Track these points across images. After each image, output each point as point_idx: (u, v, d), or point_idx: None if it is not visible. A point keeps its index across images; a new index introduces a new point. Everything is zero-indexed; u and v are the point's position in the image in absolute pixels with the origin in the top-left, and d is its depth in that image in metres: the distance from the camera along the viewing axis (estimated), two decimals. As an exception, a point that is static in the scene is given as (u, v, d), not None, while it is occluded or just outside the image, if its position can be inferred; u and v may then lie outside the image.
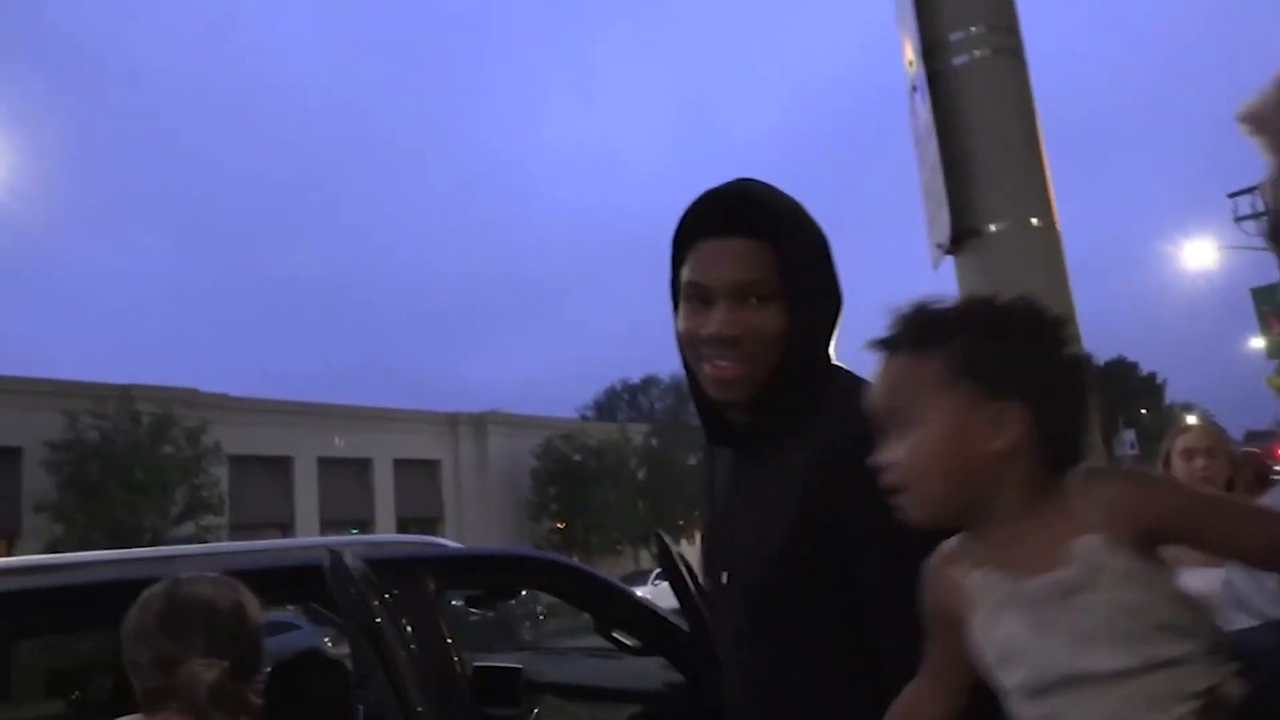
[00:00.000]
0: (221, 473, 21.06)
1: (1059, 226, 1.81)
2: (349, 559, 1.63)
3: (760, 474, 1.12)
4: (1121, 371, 56.28)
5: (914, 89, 1.99)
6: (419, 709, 1.46)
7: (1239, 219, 21.04)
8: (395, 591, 1.90)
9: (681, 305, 1.14)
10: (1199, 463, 2.44)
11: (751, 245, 1.09)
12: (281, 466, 25.66)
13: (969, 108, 1.82)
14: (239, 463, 23.34)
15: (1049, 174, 1.83)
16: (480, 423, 32.07)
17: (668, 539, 2.45)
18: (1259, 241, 20.93)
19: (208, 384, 24.28)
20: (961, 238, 1.80)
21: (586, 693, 2.86)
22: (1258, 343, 24.66)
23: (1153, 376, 58.11)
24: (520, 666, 3.00)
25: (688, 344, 1.13)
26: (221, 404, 23.61)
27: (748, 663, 1.13)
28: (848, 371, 1.14)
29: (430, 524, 28.95)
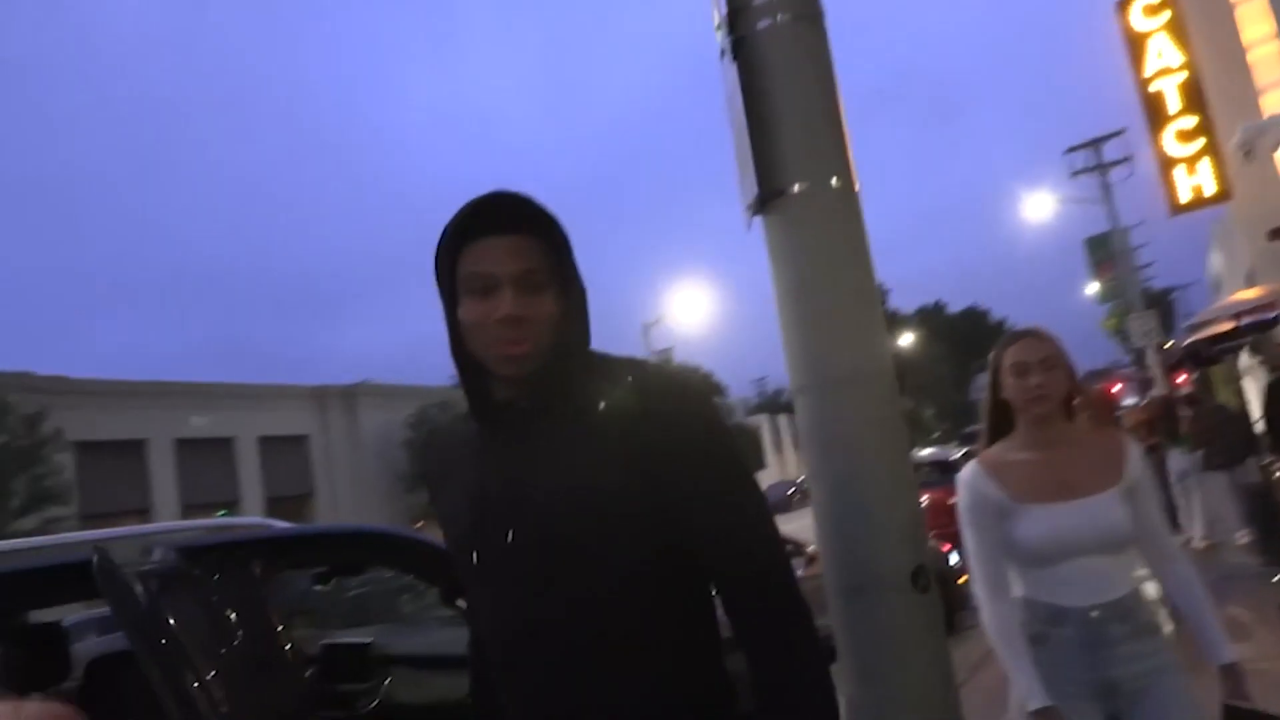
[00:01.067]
0: (66, 460, 19.77)
1: (858, 187, 1.89)
2: (119, 556, 1.57)
3: (537, 444, 1.28)
4: (973, 319, 59.56)
5: (723, 54, 2.03)
6: (192, 697, 1.43)
7: (1074, 174, 22.41)
8: (217, 576, 1.84)
9: (463, 299, 1.27)
10: (1034, 379, 2.09)
11: (527, 240, 1.27)
12: (135, 450, 24.29)
13: (771, 72, 1.86)
14: (87, 449, 21.97)
15: (848, 136, 1.90)
16: (350, 395, 31.18)
17: None
18: (1094, 194, 22.42)
19: (45, 366, 22.62)
20: (767, 199, 1.86)
21: (438, 662, 2.87)
22: (1092, 289, 26.50)
23: (1001, 323, 61.75)
24: (369, 641, 2.97)
25: (478, 330, 1.26)
26: (61, 387, 22.08)
27: (553, 615, 1.24)
28: (600, 353, 1.34)
29: (301, 501, 28.07)
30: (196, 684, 1.45)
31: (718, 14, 2.00)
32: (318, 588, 2.79)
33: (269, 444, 28.10)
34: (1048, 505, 2.06)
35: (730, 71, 1.96)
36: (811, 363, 1.83)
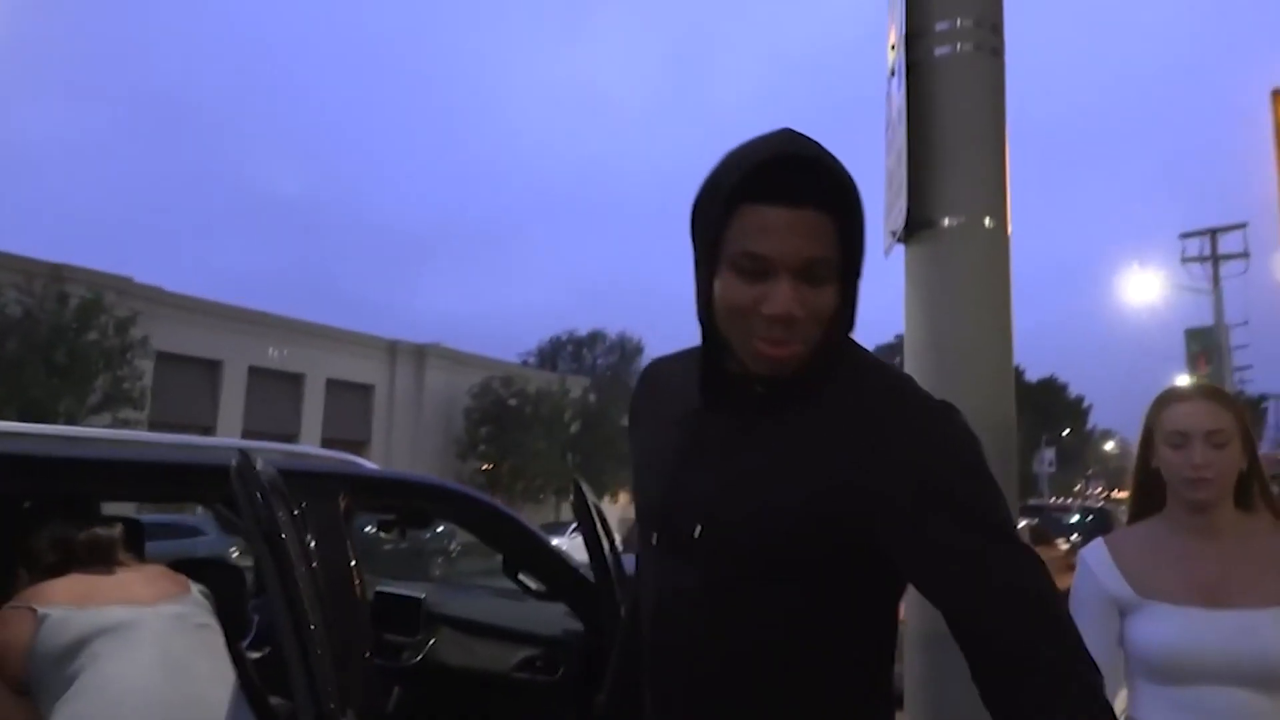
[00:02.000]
0: (147, 367, 20.54)
1: (1010, 231, 1.83)
2: (259, 464, 1.60)
3: (760, 441, 1.09)
4: (1051, 391, 57.89)
5: (892, 74, 1.98)
6: (312, 625, 1.44)
7: (1186, 260, 21.67)
8: (304, 504, 1.87)
9: (725, 272, 1.04)
10: (1198, 456, 1.63)
11: (820, 219, 1.01)
12: (211, 370, 25.12)
13: (942, 100, 1.82)
14: (167, 360, 22.79)
15: (1009, 178, 1.84)
16: (420, 354, 31.75)
17: (586, 488, 2.45)
18: (1202, 284, 21.63)
19: (144, 275, 23.55)
20: (915, 228, 1.81)
21: (486, 630, 2.88)
22: (1184, 380, 25.56)
23: (1080, 400, 59.90)
24: (422, 596, 3.00)
25: (737, 316, 1.04)
26: (156, 297, 22.96)
27: (710, 622, 1.09)
28: (858, 345, 1.13)
29: (357, 448, 28.67)
30: (314, 609, 1.48)
31: (895, 33, 1.96)
32: (381, 534, 2.82)
33: (336, 387, 28.79)
34: (1184, 608, 1.61)
35: (897, 94, 1.92)
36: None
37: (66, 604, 1.73)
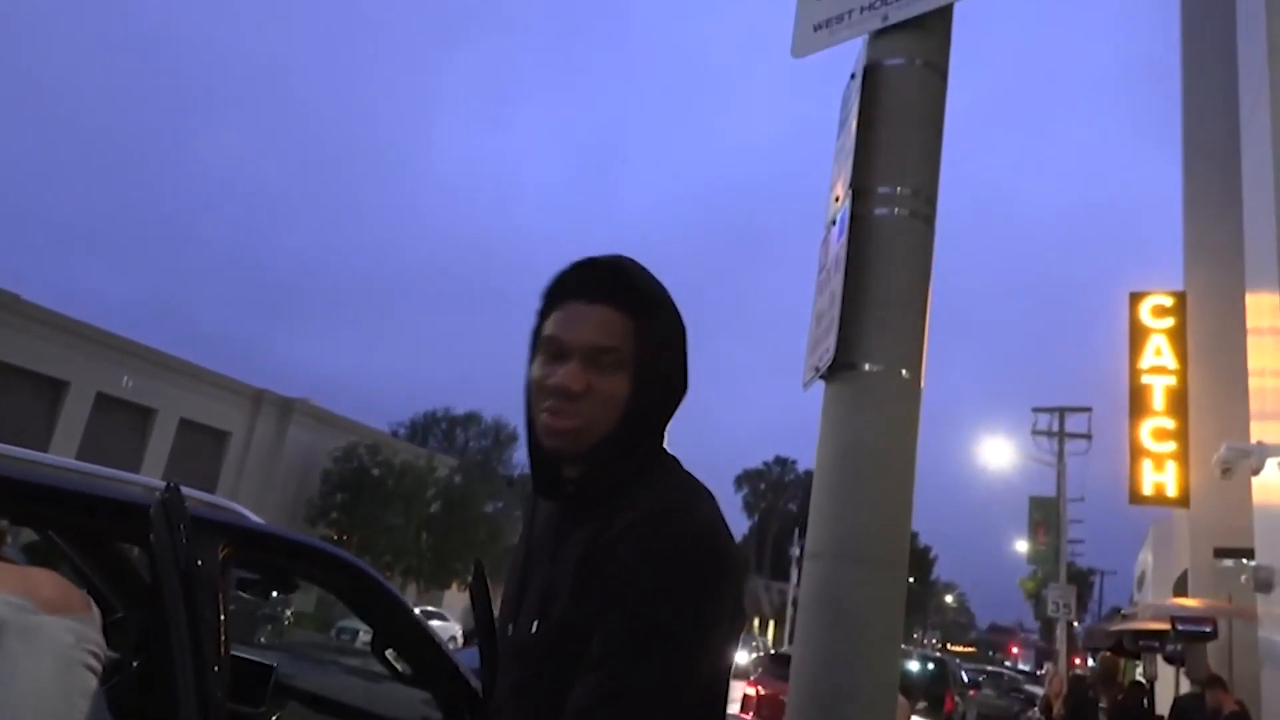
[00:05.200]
0: (-18, 377, 18.98)
1: (923, 385, 1.96)
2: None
3: (572, 535, 1.17)
4: (903, 538, 59.64)
5: (833, 222, 2.13)
6: (213, 682, 1.36)
7: (1035, 432, 23.14)
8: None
9: (537, 357, 1.21)
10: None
11: (615, 315, 1.17)
12: (54, 389, 23.39)
13: (878, 256, 1.96)
14: (7, 372, 21.14)
15: (928, 336, 1.98)
16: (287, 407, 30.47)
17: (484, 570, 2.40)
18: (1048, 456, 23.11)
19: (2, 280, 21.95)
20: (838, 368, 1.92)
21: (338, 709, 2.73)
22: (1022, 546, 26.94)
23: (927, 550, 62.21)
24: (274, 665, 2.83)
25: (535, 390, 1.20)
26: (8, 303, 21.42)
27: (515, 714, 1.17)
28: (675, 461, 1.24)
29: (198, 496, 26.89)
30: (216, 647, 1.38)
31: (841, 186, 2.11)
32: (243, 594, 2.67)
33: (189, 428, 27.22)
34: None
35: (836, 243, 2.06)
36: (834, 533, 1.85)
37: None
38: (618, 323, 1.17)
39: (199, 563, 1.42)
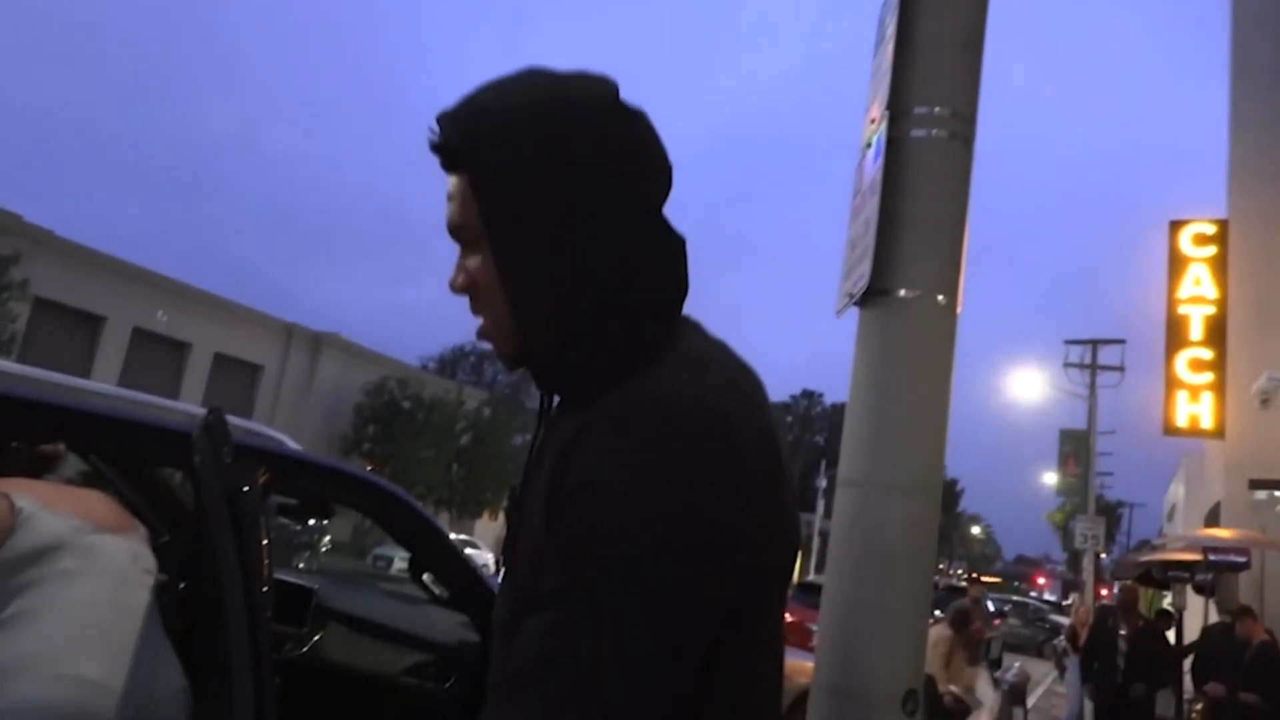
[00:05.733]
0: (23, 310, 19.33)
1: (959, 311, 1.93)
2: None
3: (550, 446, 0.91)
4: (930, 470, 59.87)
5: (868, 145, 2.08)
6: (260, 602, 1.39)
7: (1067, 364, 22.91)
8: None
9: None
10: None
11: (458, 182, 0.89)
12: (92, 324, 23.80)
13: (915, 179, 1.91)
14: (46, 307, 21.51)
15: (965, 262, 1.94)
16: (317, 341, 30.84)
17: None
18: (1080, 389, 22.91)
19: (33, 213, 22.21)
20: (873, 295, 1.89)
21: (378, 630, 2.81)
22: (1051, 478, 26.91)
23: (954, 482, 62.35)
24: (315, 588, 2.91)
25: None
26: (43, 240, 21.67)
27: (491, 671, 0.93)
28: (691, 329, 0.94)
29: (234, 428, 27.47)
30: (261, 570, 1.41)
31: (877, 109, 2.05)
32: (283, 520, 2.73)
33: (223, 362, 27.66)
34: None
35: (872, 166, 2.01)
36: (868, 461, 1.84)
37: (34, 500, 1.46)
38: (460, 190, 0.88)
39: (242, 487, 1.44)
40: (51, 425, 1.58)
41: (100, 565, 1.43)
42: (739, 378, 0.88)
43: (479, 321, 0.92)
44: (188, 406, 1.83)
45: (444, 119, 0.89)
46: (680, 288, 0.95)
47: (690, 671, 0.79)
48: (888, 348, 1.88)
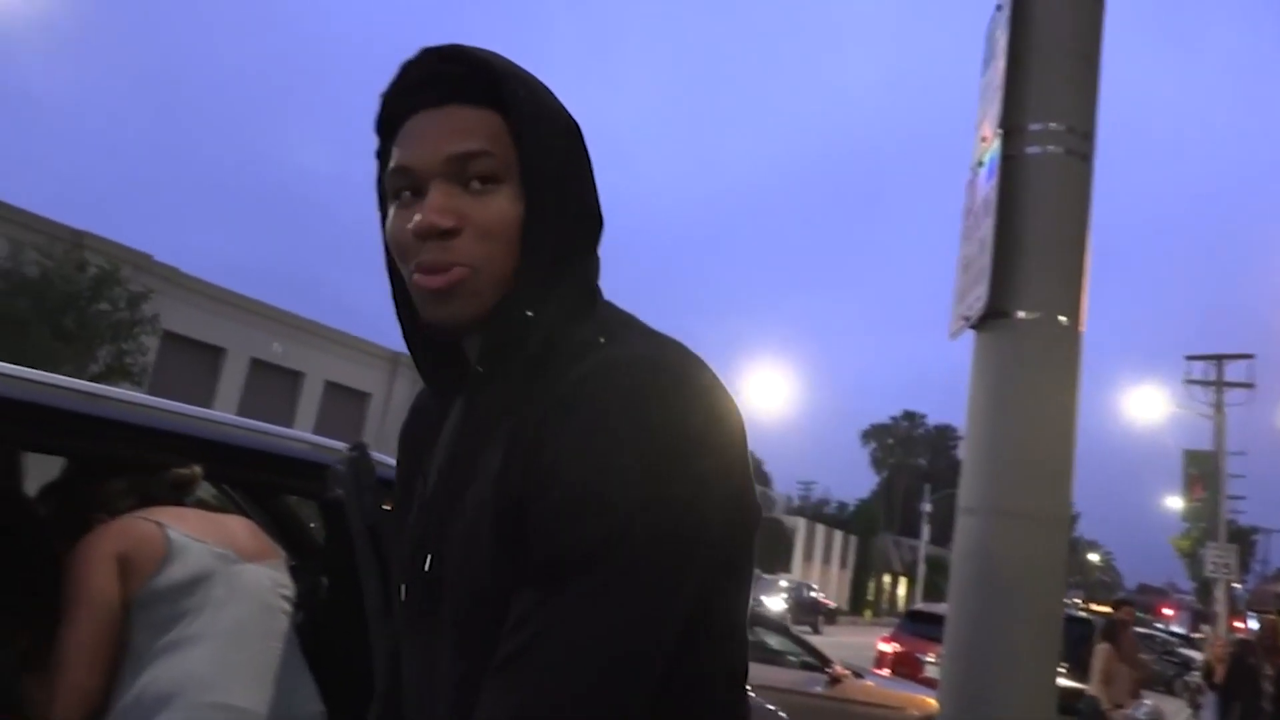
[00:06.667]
0: (152, 344, 20.54)
1: (1083, 332, 1.86)
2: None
3: (488, 431, 0.81)
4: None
5: (980, 164, 2.03)
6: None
7: (1189, 381, 21.73)
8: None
9: (390, 207, 0.85)
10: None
11: (473, 113, 0.81)
12: (213, 356, 25.11)
13: (1032, 197, 1.86)
14: (172, 340, 22.80)
15: (1087, 281, 1.88)
16: (421, 369, 31.74)
17: None
18: (1205, 407, 21.70)
19: (157, 248, 23.60)
20: (990, 317, 1.84)
21: None
22: (1175, 502, 25.46)
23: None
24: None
25: (396, 252, 0.84)
26: (171, 277, 23.04)
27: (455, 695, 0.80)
28: (629, 315, 0.87)
29: (344, 454, 28.45)
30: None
31: (988, 126, 2.01)
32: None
33: (334, 390, 28.75)
34: None
35: (985, 185, 1.97)
36: (989, 488, 1.79)
37: (185, 530, 1.53)
38: (481, 121, 0.81)
39: (381, 516, 1.50)
40: (197, 455, 1.68)
41: (246, 593, 1.51)
42: (684, 345, 0.83)
43: (440, 274, 0.80)
44: (310, 437, 1.89)
45: (459, 51, 0.84)
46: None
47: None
48: (1007, 371, 1.83)
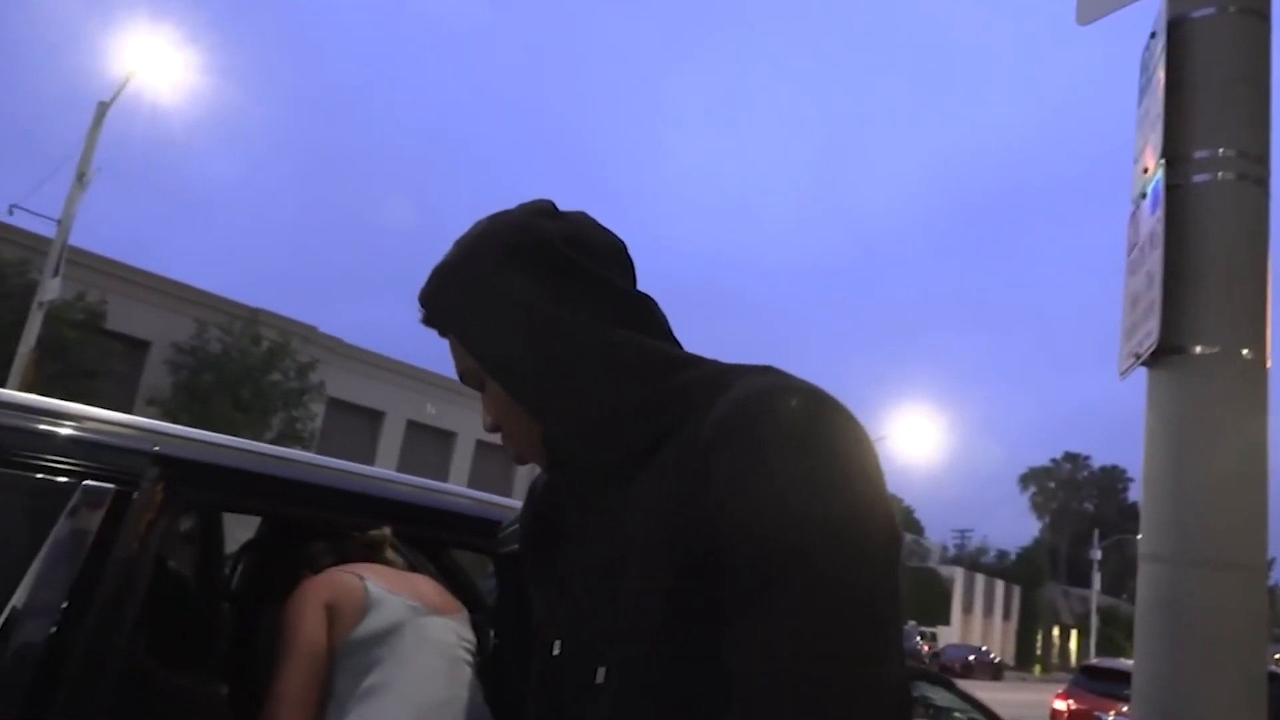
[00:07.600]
0: (319, 410, 21.90)
1: (1269, 364, 1.75)
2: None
3: (625, 490, 0.89)
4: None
5: (1143, 196, 1.96)
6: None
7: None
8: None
9: None
10: None
11: (454, 339, 1.00)
12: (373, 419, 26.51)
13: (1202, 226, 1.78)
14: (336, 406, 24.24)
15: (1270, 310, 1.77)
16: (566, 425, 32.41)
17: None
18: None
19: (322, 319, 25.23)
20: (1164, 353, 1.76)
21: None
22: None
23: None
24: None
25: None
26: (334, 347, 24.60)
27: None
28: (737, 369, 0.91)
29: (495, 510, 29.24)
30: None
31: (1150, 156, 1.94)
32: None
33: (484, 449, 29.72)
34: None
35: (1150, 216, 1.89)
36: (1173, 534, 1.69)
37: (381, 584, 1.63)
38: (458, 347, 0.99)
39: None
40: (384, 515, 1.79)
41: (432, 644, 1.59)
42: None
43: (509, 449, 1.00)
44: (473, 492, 1.97)
45: (422, 297, 1.00)
46: (670, 336, 1.00)
47: None
48: (1186, 409, 1.74)
